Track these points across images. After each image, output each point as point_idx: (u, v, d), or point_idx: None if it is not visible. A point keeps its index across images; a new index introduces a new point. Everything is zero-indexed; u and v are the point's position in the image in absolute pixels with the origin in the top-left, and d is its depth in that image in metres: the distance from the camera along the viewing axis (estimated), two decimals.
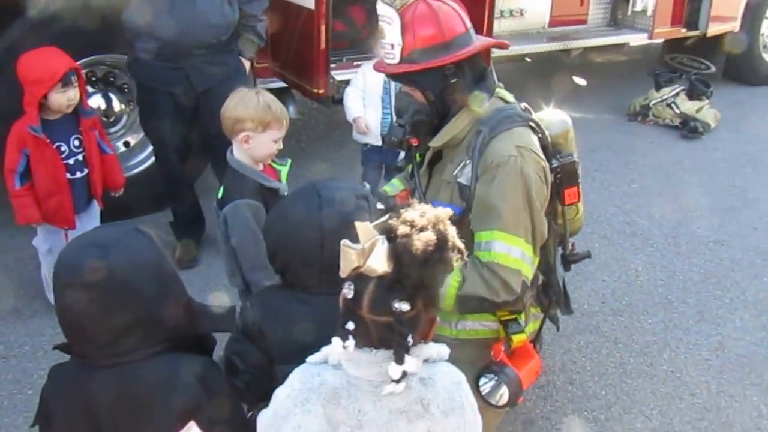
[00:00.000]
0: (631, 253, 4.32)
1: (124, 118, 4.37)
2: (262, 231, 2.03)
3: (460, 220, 2.37)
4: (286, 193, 2.71)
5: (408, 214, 1.47)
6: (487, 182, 2.29)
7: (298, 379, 1.59)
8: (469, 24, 2.41)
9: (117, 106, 4.31)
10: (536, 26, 5.96)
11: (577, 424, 3.04)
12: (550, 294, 2.61)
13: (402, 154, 2.87)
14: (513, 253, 2.29)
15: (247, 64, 3.88)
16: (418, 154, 2.66)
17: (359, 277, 1.47)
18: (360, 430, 1.53)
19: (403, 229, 1.43)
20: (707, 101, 6.17)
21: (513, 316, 2.53)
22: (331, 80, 4.32)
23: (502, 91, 2.50)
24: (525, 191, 2.30)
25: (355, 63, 4.67)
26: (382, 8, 2.37)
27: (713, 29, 6.29)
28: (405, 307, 1.44)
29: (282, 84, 4.74)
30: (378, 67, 2.48)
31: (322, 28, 4.17)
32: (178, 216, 4.10)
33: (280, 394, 1.61)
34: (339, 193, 1.89)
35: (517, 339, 2.52)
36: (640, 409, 3.16)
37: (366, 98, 4.02)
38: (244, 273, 2.63)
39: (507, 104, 2.50)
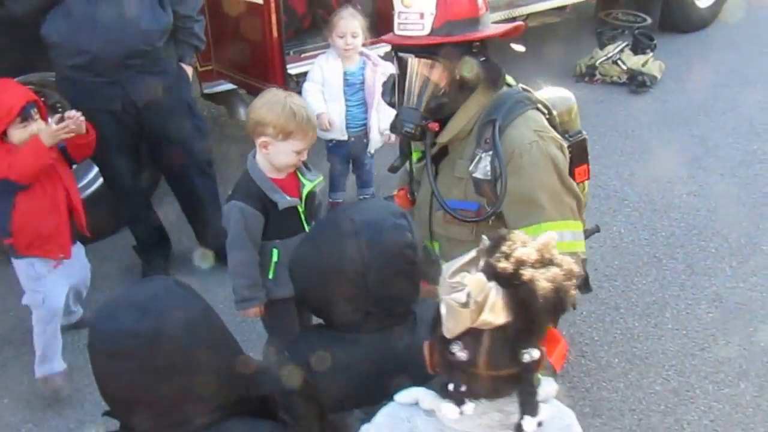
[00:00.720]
0: (610, 216, 4.29)
1: None
2: (288, 269, 1.80)
3: (476, 216, 2.29)
4: (302, 208, 2.57)
5: (517, 251, 1.29)
6: (514, 174, 2.17)
7: (385, 423, 1.46)
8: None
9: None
10: None
11: (600, 398, 2.99)
12: None
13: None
14: (565, 238, 2.19)
15: (189, 70, 3.58)
16: (415, 153, 2.53)
17: (470, 333, 1.29)
18: None
19: (526, 272, 1.26)
20: (651, 54, 6.19)
21: None
22: (288, 75, 4.13)
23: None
24: (557, 172, 2.23)
25: (302, 55, 4.50)
26: None
27: None
28: (536, 354, 1.31)
29: (228, 86, 4.50)
30: (399, 41, 2.27)
31: (274, 21, 3.96)
32: (140, 239, 3.84)
33: None
34: (373, 215, 1.71)
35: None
36: (656, 371, 3.14)
37: (326, 92, 3.86)
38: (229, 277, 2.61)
39: (510, 87, 2.40)
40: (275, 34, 3.99)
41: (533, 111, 2.32)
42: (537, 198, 2.18)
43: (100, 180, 3.96)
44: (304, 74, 4.05)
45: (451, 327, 1.29)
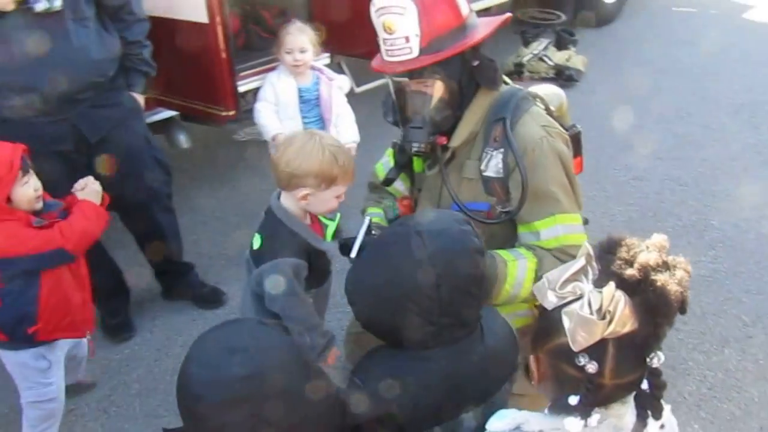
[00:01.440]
0: None
1: None
2: (350, 294, 1.72)
3: (488, 215, 2.32)
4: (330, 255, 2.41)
5: (639, 256, 1.30)
6: (528, 169, 2.20)
7: None
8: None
9: None
10: None
11: None
12: None
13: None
14: (576, 230, 2.27)
15: (141, 99, 3.27)
16: (417, 163, 2.54)
17: (595, 344, 1.28)
18: None
19: (657, 278, 1.27)
20: (574, 49, 6.46)
21: None
22: (241, 99, 3.99)
23: None
24: (564, 167, 2.28)
25: (241, 74, 4.22)
26: None
27: None
28: (663, 358, 1.32)
29: (167, 113, 4.29)
30: (385, 68, 2.24)
31: (221, 40, 3.76)
32: (96, 288, 3.22)
33: None
34: (439, 225, 1.65)
35: None
36: None
37: (280, 111, 3.70)
38: (296, 338, 2.23)
39: (507, 84, 2.45)
40: (223, 54, 3.82)
41: (536, 107, 2.37)
42: (553, 191, 2.22)
43: None
44: (249, 92, 3.97)
45: (581, 340, 1.27)
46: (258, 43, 4.62)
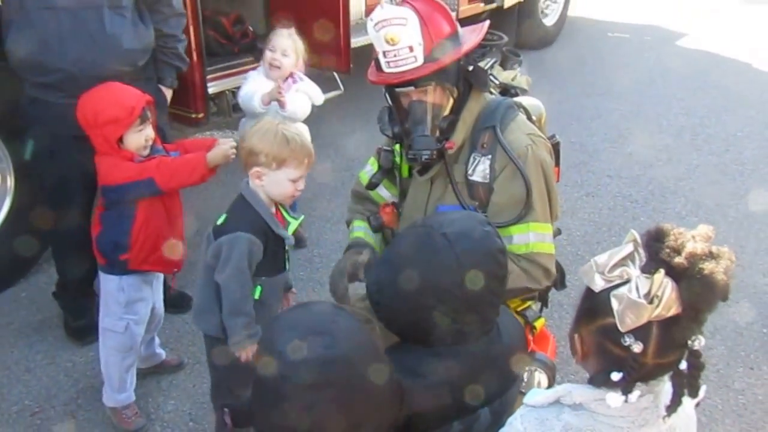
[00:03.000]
0: None
1: None
2: (372, 294, 1.76)
3: None
4: (289, 247, 2.49)
5: (687, 246, 1.35)
6: (511, 177, 2.28)
7: (533, 426, 1.47)
8: None
9: None
10: (354, 17, 5.94)
11: None
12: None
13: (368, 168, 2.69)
14: (546, 239, 2.35)
15: (168, 93, 3.29)
16: (406, 168, 2.54)
17: (640, 326, 1.34)
18: None
19: (705, 266, 1.32)
20: (519, 69, 6.56)
21: (527, 304, 2.55)
22: (210, 102, 3.96)
23: None
24: (544, 177, 2.35)
25: (209, 77, 4.24)
26: (389, 11, 2.20)
27: (510, 1, 6.71)
28: (704, 341, 1.38)
29: None
30: (397, 78, 2.25)
31: (194, 43, 3.75)
32: (70, 285, 3.43)
33: None
34: (462, 226, 1.70)
35: (539, 324, 2.57)
36: None
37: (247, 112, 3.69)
38: (223, 316, 2.37)
39: (492, 93, 2.49)
40: (195, 57, 3.80)
41: (521, 116, 2.43)
42: (530, 199, 2.28)
43: None
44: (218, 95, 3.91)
45: (630, 322, 1.34)
46: (216, 48, 4.60)
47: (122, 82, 2.82)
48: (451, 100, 2.31)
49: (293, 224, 2.49)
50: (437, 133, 2.30)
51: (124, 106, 2.62)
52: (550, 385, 2.49)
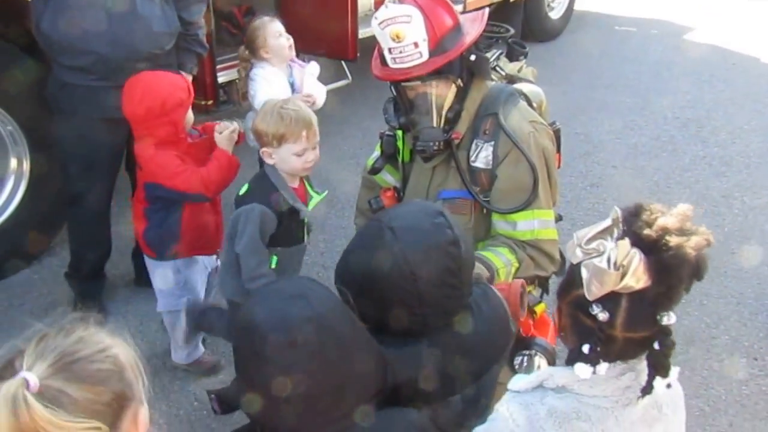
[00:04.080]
0: None
1: None
2: (337, 279, 1.75)
3: (473, 205, 2.37)
4: (306, 219, 2.60)
5: (659, 219, 1.36)
6: (514, 163, 2.30)
7: (518, 411, 1.47)
8: None
9: None
10: (362, 9, 5.95)
11: None
12: None
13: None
14: (550, 225, 2.37)
15: (189, 79, 3.25)
16: (407, 152, 2.56)
17: (610, 296, 1.35)
18: None
19: (672, 240, 1.32)
20: (524, 60, 6.57)
21: (527, 290, 2.57)
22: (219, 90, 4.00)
23: None
24: (545, 164, 2.37)
25: (220, 66, 4.30)
26: (393, 9, 2.23)
27: None
28: (674, 318, 1.37)
29: None
30: (403, 74, 2.28)
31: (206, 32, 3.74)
32: (83, 268, 3.50)
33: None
34: (410, 221, 1.69)
35: (539, 309, 2.58)
36: None
37: None
38: (244, 283, 2.46)
39: (493, 81, 2.51)
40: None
41: (523, 102, 2.45)
42: (531, 186, 2.30)
43: (9, 211, 3.65)
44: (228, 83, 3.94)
45: (595, 289, 1.34)
46: (228, 39, 4.67)
47: (148, 66, 2.89)
48: (455, 90, 2.33)
49: (315, 199, 2.60)
50: (443, 124, 2.32)
51: (182, 87, 2.76)
52: None
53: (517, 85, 2.75)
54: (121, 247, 3.67)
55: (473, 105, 2.37)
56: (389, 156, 2.59)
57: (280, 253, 2.54)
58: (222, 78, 4.11)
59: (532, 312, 2.53)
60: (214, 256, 3.15)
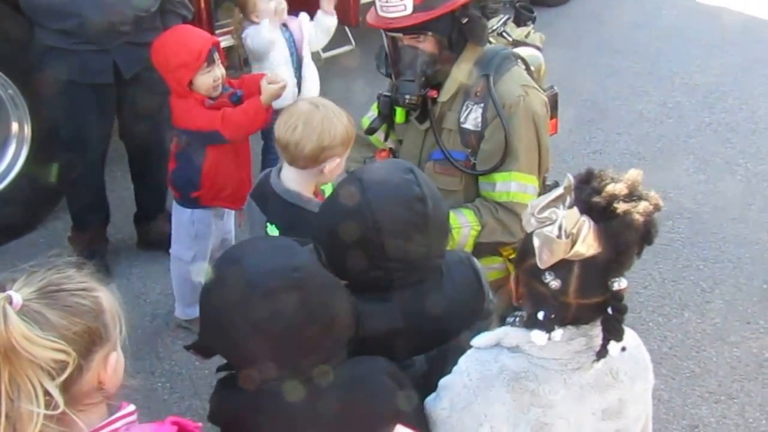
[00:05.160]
0: None
1: None
2: (313, 235, 1.75)
3: (465, 165, 2.39)
4: None
5: (608, 186, 1.36)
6: (500, 125, 2.32)
7: (473, 367, 1.51)
8: None
9: None
10: None
11: None
12: None
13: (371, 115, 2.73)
14: (528, 191, 2.38)
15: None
16: (402, 113, 2.58)
17: (561, 264, 1.36)
18: (552, 410, 1.47)
19: (619, 206, 1.33)
20: (532, 26, 6.51)
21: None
22: None
23: None
24: (535, 129, 2.38)
25: (219, 31, 4.33)
26: None
27: None
28: (624, 283, 1.38)
29: None
30: (380, 23, 2.32)
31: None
32: (84, 230, 3.61)
33: (454, 384, 1.52)
34: (380, 174, 1.73)
35: None
36: None
37: (273, 64, 3.63)
38: None
39: (491, 43, 2.51)
40: (204, 10, 3.90)
41: (517, 67, 2.45)
42: (515, 148, 2.32)
43: (12, 175, 3.72)
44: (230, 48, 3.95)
45: (545, 258, 1.35)
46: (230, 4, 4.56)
47: (133, 29, 2.95)
48: (443, 50, 2.33)
49: (328, 189, 2.37)
50: (423, 80, 2.33)
51: (191, 50, 2.78)
52: None
53: (516, 49, 2.75)
54: (123, 211, 3.76)
55: (466, 66, 2.37)
56: (385, 116, 2.60)
57: None
58: (224, 43, 4.07)
59: None
60: (231, 238, 3.23)
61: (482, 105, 2.33)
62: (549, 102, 2.67)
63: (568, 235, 1.32)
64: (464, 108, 2.37)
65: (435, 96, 2.37)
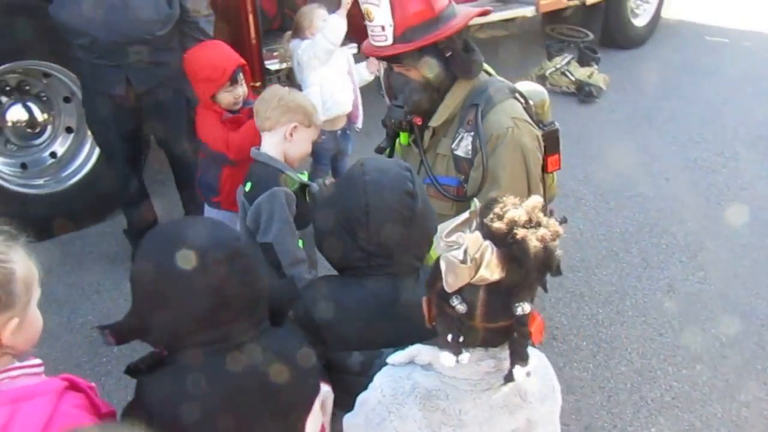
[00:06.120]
0: (569, 213, 4.50)
1: (49, 128, 4.10)
2: (314, 217, 1.98)
3: (457, 191, 2.47)
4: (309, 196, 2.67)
5: (509, 212, 1.39)
6: (488, 153, 2.37)
7: (387, 383, 1.55)
8: None
9: (39, 116, 4.04)
10: None
11: (573, 377, 3.19)
12: None
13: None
14: None
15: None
16: (403, 137, 2.69)
17: (468, 288, 1.40)
18: (462, 429, 1.51)
19: (518, 232, 1.36)
20: (596, 66, 6.52)
21: None
22: (267, 70, 4.25)
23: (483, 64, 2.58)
24: (523, 161, 2.41)
25: (274, 54, 4.56)
26: None
27: None
28: (528, 308, 1.40)
29: None
30: (369, 51, 2.48)
31: (251, 21, 4.09)
32: (134, 222, 3.89)
33: (368, 400, 1.57)
34: (382, 164, 1.90)
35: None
36: (620, 354, 3.37)
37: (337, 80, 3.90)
38: (284, 268, 2.44)
39: (490, 76, 2.58)
40: (252, 28, 4.14)
41: (512, 100, 2.50)
42: (497, 175, 2.37)
43: (87, 168, 4.09)
44: (279, 70, 4.16)
45: (451, 282, 1.38)
46: (291, 25, 4.79)
47: (145, 49, 3.23)
48: (429, 80, 2.41)
49: (304, 177, 2.68)
50: (410, 107, 2.42)
51: (217, 67, 3.00)
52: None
53: (517, 84, 2.79)
54: (177, 214, 3.98)
55: (459, 96, 2.44)
56: (392, 138, 2.67)
57: (302, 236, 2.58)
58: (273, 66, 4.33)
59: None
60: None
61: (473, 133, 2.40)
62: (549, 137, 2.68)
63: (472, 259, 1.35)
64: (457, 135, 2.44)
65: (419, 123, 2.46)
